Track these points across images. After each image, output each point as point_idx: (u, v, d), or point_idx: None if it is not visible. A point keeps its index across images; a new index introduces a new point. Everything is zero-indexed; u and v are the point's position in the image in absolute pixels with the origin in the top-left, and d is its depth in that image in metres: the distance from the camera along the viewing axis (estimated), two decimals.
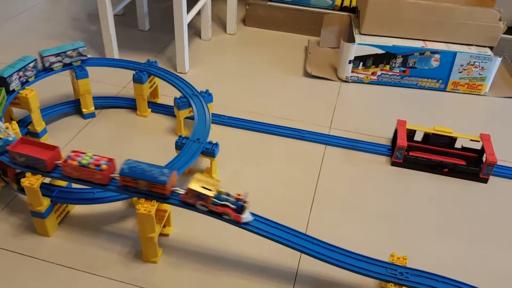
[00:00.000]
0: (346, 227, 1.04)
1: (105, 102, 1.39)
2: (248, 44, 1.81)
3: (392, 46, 1.50)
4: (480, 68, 1.48)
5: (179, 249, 0.97)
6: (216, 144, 1.09)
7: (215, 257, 0.95)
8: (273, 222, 0.85)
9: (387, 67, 1.53)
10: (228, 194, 0.81)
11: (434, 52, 1.48)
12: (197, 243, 0.98)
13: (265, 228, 0.84)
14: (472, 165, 1.18)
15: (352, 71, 1.56)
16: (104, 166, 0.85)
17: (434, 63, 1.49)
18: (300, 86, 1.57)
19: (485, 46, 1.52)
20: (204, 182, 0.81)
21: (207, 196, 0.80)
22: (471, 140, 1.21)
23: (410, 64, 1.51)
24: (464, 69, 1.49)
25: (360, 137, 1.32)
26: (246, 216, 0.81)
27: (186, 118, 1.25)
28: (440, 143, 1.23)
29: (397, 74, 1.53)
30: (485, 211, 1.10)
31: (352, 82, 1.58)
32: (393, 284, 0.81)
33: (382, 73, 1.54)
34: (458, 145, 1.23)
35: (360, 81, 1.57)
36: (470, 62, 1.47)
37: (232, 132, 1.33)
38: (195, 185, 0.80)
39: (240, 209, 0.81)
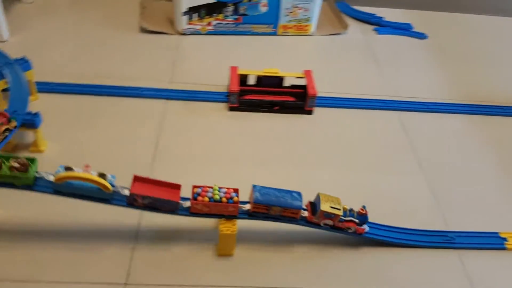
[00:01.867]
0: (190, 176, 1.05)
1: None
2: (77, 3, 1.68)
3: None
4: (304, 9, 1.59)
5: (7, 232, 0.90)
6: (37, 113, 1.01)
7: (49, 232, 0.91)
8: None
9: (221, 16, 1.55)
10: (351, 210, 0.90)
11: None
12: (26, 222, 0.92)
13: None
14: (299, 100, 1.29)
15: (189, 23, 1.55)
16: (236, 198, 0.85)
17: (263, 8, 1.56)
18: (137, 43, 1.52)
19: None
20: (330, 201, 0.88)
21: (336, 215, 0.87)
22: (297, 77, 1.31)
23: (242, 12, 1.55)
24: (290, 12, 1.58)
25: (200, 88, 1.35)
26: (366, 227, 0.90)
27: (3, 90, 1.13)
28: (271, 84, 1.31)
29: (232, 23, 1.57)
30: (313, 138, 1.23)
31: (190, 34, 1.57)
32: (224, 220, 0.87)
33: (217, 23, 1.56)
34: (288, 84, 1.33)
35: (198, 33, 1.58)
36: (294, 4, 1.57)
37: (63, 99, 1.25)
38: (325, 206, 0.86)
39: (364, 222, 0.89)
